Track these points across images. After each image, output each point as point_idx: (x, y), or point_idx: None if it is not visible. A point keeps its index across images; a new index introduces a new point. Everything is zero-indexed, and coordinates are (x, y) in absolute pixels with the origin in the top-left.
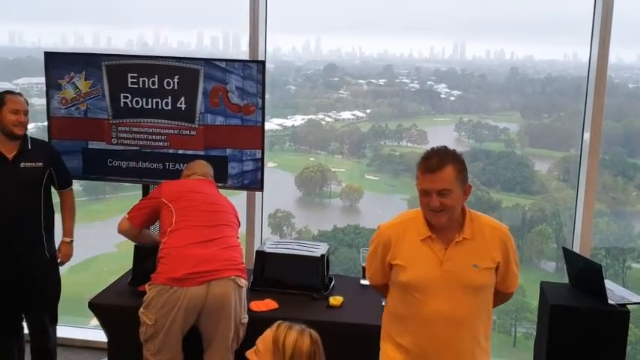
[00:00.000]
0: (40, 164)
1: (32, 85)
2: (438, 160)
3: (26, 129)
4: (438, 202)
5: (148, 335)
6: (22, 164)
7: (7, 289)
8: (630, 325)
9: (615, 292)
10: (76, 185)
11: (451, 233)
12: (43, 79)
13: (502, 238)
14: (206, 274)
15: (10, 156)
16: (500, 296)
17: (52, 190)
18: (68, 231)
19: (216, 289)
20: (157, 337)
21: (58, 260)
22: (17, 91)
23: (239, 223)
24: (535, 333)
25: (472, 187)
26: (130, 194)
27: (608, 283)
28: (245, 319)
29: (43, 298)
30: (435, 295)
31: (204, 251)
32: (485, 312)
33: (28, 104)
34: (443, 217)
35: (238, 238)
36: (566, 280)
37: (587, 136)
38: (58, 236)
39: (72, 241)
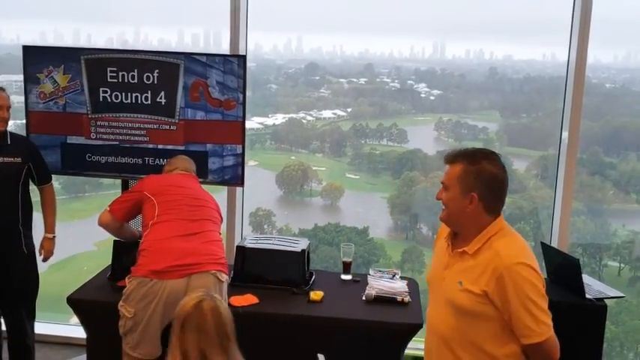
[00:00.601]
0: (19, 159)
1: (11, 83)
2: (454, 155)
3: (7, 124)
4: (439, 194)
5: (127, 328)
6: (1, 159)
7: None
8: (607, 322)
9: (593, 286)
10: (55, 183)
11: (462, 242)
12: (21, 77)
13: (498, 268)
14: (187, 268)
15: None
16: (529, 350)
17: (31, 186)
18: (50, 226)
19: (197, 282)
20: (136, 331)
21: (41, 257)
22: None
23: (222, 219)
24: None
25: (475, 200)
26: (110, 192)
27: (586, 278)
28: None
29: (20, 293)
30: (434, 299)
31: (186, 245)
32: (472, 343)
33: (9, 99)
34: (443, 212)
35: (220, 233)
36: (543, 276)
37: (565, 135)
38: (37, 232)
39: (54, 236)
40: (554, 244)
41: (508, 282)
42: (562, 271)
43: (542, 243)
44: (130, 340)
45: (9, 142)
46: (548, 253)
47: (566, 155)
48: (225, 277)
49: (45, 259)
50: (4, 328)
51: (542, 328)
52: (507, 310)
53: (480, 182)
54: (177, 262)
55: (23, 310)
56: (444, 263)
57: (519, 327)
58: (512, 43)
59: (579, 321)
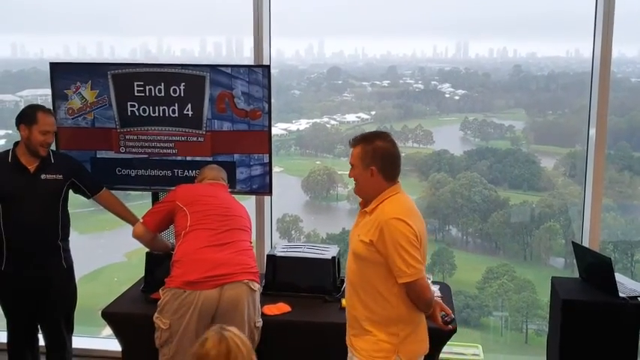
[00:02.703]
0: (60, 177)
1: (36, 97)
2: (355, 139)
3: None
4: (350, 172)
5: (162, 340)
6: (43, 176)
7: (24, 299)
8: None
9: (626, 285)
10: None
11: (367, 206)
12: (47, 91)
13: (380, 222)
14: (220, 278)
15: (31, 168)
16: (406, 289)
17: (70, 201)
18: (133, 216)
19: (230, 292)
20: (172, 342)
21: None
22: (46, 107)
23: (251, 227)
24: (546, 329)
25: (375, 172)
26: (139, 203)
27: (619, 277)
28: (259, 322)
29: (59, 307)
30: (349, 253)
31: (218, 255)
32: (369, 284)
33: (56, 116)
34: (355, 187)
35: (251, 242)
36: (575, 275)
37: (592, 131)
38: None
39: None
40: (585, 241)
41: (386, 232)
42: (594, 270)
43: (573, 242)
44: (166, 351)
45: (52, 161)
46: (580, 252)
47: (594, 151)
48: (257, 286)
49: None
50: (42, 342)
51: (411, 270)
52: (385, 255)
53: (375, 157)
54: (210, 273)
55: (62, 324)
56: (355, 223)
57: (394, 269)
58: (536, 41)
59: (613, 320)
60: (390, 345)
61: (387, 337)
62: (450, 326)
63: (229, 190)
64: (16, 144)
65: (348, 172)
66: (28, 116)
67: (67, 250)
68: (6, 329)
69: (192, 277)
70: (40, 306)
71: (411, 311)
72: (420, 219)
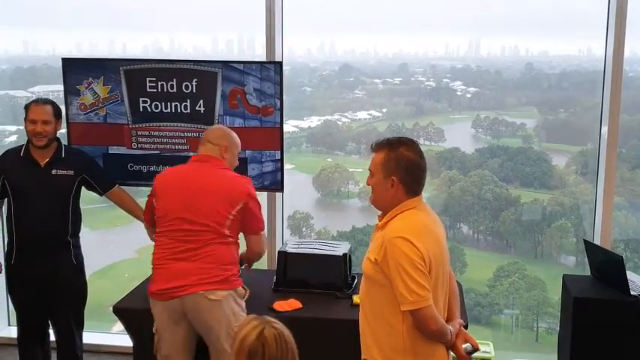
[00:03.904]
0: (72, 172)
1: (48, 93)
2: (379, 144)
3: (48, 139)
4: (368, 179)
5: (156, 344)
6: (54, 171)
7: (33, 294)
8: None
9: (637, 283)
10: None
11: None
12: (59, 87)
13: (384, 241)
14: (174, 290)
15: (42, 162)
16: (411, 317)
17: (82, 197)
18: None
19: (188, 304)
20: (161, 347)
21: None
22: (44, 98)
23: (233, 209)
24: (557, 327)
25: (395, 182)
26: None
27: (630, 275)
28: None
29: (70, 303)
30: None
31: (176, 265)
32: (376, 307)
33: (54, 112)
34: (371, 196)
35: (227, 235)
36: (585, 274)
37: (604, 129)
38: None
39: None
40: (597, 240)
41: (388, 252)
42: (605, 268)
43: (584, 240)
44: (159, 356)
45: (63, 156)
46: (591, 250)
47: (606, 150)
48: (220, 294)
49: None
50: (53, 338)
51: (413, 297)
52: (389, 278)
53: (399, 167)
54: (165, 286)
55: (72, 320)
56: (370, 237)
57: (397, 294)
58: (548, 39)
59: (625, 318)
60: None
61: None
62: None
63: None
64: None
65: (357, 169)
66: (24, 108)
67: (77, 247)
68: (16, 324)
69: (153, 287)
70: (50, 301)
71: (419, 342)
72: (435, 241)
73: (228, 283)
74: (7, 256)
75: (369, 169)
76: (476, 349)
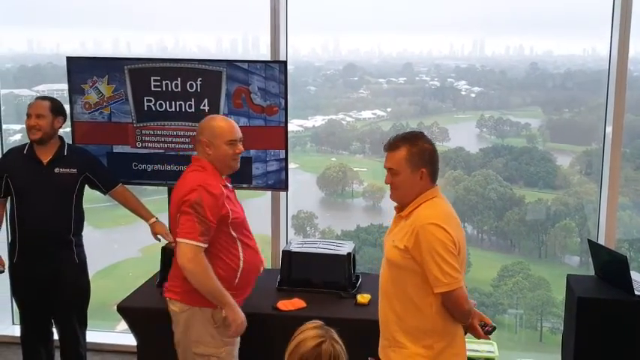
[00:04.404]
0: (74, 171)
1: (53, 92)
2: (395, 141)
3: (43, 133)
4: (389, 180)
5: None
6: (57, 169)
7: (36, 293)
8: None
9: None
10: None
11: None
12: (63, 86)
13: (415, 227)
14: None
15: (45, 160)
16: (443, 299)
17: (85, 196)
18: (147, 214)
19: None
20: None
21: (171, 241)
22: (47, 95)
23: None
24: (561, 327)
25: (428, 173)
26: (154, 198)
27: (634, 275)
28: (199, 349)
29: (72, 302)
30: (383, 260)
31: None
32: (403, 293)
33: (52, 108)
34: (393, 194)
35: (182, 236)
36: (589, 274)
37: (609, 129)
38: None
39: (157, 218)
40: (601, 239)
41: (422, 238)
42: (610, 268)
43: (589, 240)
44: None
45: (65, 154)
46: (595, 250)
47: (610, 150)
48: (177, 306)
49: (171, 242)
50: (56, 337)
51: (447, 279)
52: (421, 262)
53: (424, 158)
54: None
55: (75, 319)
56: (390, 227)
57: (430, 278)
58: (552, 39)
59: (629, 318)
60: (424, 359)
61: (422, 350)
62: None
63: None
64: None
65: (361, 168)
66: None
67: (80, 246)
68: (20, 323)
69: None
70: (53, 300)
71: (447, 323)
72: (458, 226)
73: (190, 298)
74: (10, 255)
75: (390, 168)
76: (494, 328)
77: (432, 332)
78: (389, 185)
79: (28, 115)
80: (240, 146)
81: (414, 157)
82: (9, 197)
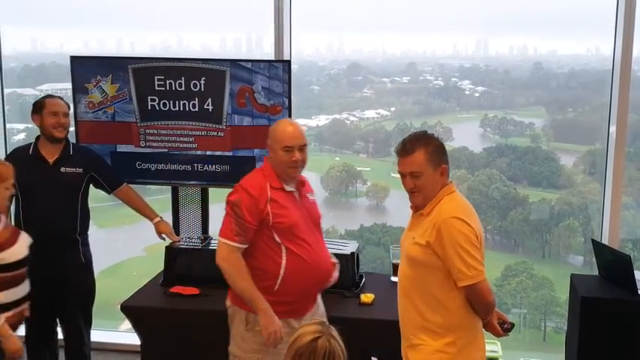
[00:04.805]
0: (80, 170)
1: (56, 91)
2: (410, 144)
3: (67, 132)
4: (412, 184)
5: None
6: (63, 169)
7: (41, 292)
8: None
9: None
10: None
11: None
12: (67, 85)
13: (437, 222)
14: None
15: (51, 160)
16: (467, 293)
17: (90, 195)
18: (151, 213)
19: None
20: None
21: (178, 238)
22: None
23: None
24: (564, 327)
25: (447, 168)
26: (158, 197)
27: (638, 274)
28: (231, 348)
29: (78, 301)
30: (401, 257)
31: None
32: (425, 290)
33: (69, 107)
34: (417, 198)
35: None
36: (593, 273)
37: (612, 129)
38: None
39: (161, 218)
40: (605, 239)
41: (444, 232)
42: (613, 268)
43: (592, 240)
44: None
45: (71, 153)
46: (599, 250)
47: (614, 149)
48: (228, 305)
49: (175, 241)
50: (61, 336)
51: (472, 272)
52: (444, 257)
53: (442, 155)
54: None
55: (80, 318)
56: (408, 226)
57: (454, 271)
58: (556, 38)
59: (632, 318)
60: (447, 355)
61: (444, 346)
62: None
63: None
64: (38, 137)
65: (365, 168)
66: (36, 105)
67: (86, 245)
68: (24, 322)
69: None
70: (59, 300)
71: (471, 318)
72: (478, 219)
73: (233, 296)
74: None
75: (411, 172)
76: (513, 325)
77: (456, 327)
78: (409, 190)
79: (55, 114)
80: (298, 154)
81: (434, 156)
82: (13, 197)
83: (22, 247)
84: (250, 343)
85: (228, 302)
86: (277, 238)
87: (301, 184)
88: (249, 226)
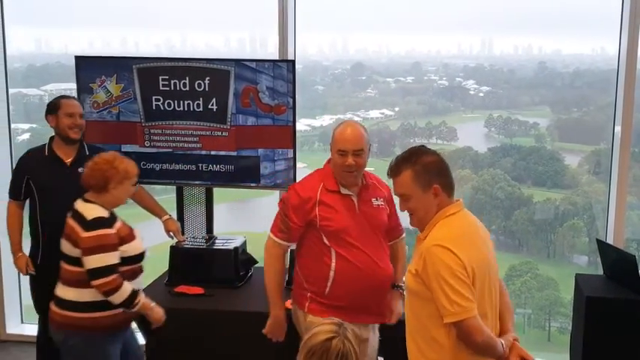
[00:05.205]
0: None
1: (61, 91)
2: (396, 165)
3: (82, 132)
4: (404, 207)
5: None
6: (80, 169)
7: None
8: None
9: None
10: None
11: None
12: (71, 85)
13: (423, 250)
14: None
15: (68, 161)
16: (455, 329)
17: None
18: (161, 210)
19: None
20: None
21: (184, 238)
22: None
23: None
24: (569, 327)
25: (438, 190)
26: (162, 197)
27: None
28: None
29: None
30: None
31: None
32: (420, 323)
33: (82, 108)
34: (413, 221)
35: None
36: (598, 273)
37: (617, 129)
38: None
39: (170, 215)
40: (610, 239)
41: (428, 262)
42: (618, 268)
43: (597, 240)
44: None
45: (87, 153)
46: (604, 249)
47: (619, 149)
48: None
49: (180, 240)
50: None
51: (455, 308)
52: (430, 289)
53: (433, 174)
54: None
55: None
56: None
57: (438, 306)
58: (561, 38)
59: (637, 318)
60: None
61: None
62: None
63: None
64: (52, 138)
65: (368, 168)
66: (51, 105)
67: None
68: (37, 322)
69: None
70: None
71: (468, 358)
72: (476, 247)
73: (296, 298)
74: (32, 258)
75: (400, 195)
76: None
77: None
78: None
79: (71, 115)
80: (351, 159)
81: (422, 176)
82: (27, 199)
83: (140, 241)
84: None
85: (290, 301)
86: (326, 241)
87: (365, 189)
88: (293, 225)
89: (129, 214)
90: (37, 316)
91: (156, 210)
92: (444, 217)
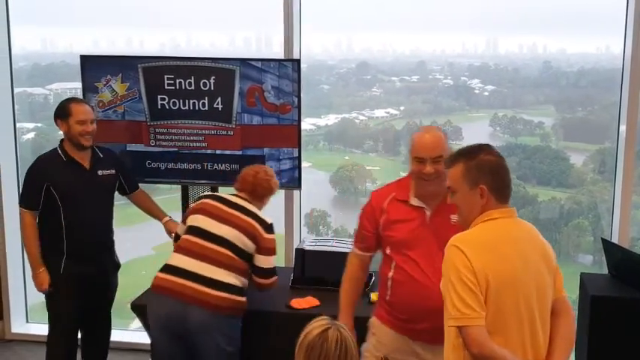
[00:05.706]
0: (113, 171)
1: (66, 91)
2: (454, 156)
3: (93, 137)
4: (451, 200)
5: None
6: (100, 172)
7: (81, 300)
8: None
9: None
10: None
11: None
12: (77, 84)
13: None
14: None
15: (86, 164)
16: None
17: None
18: (161, 212)
19: None
20: None
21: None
22: (78, 97)
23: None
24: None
25: (485, 191)
26: (167, 197)
27: None
28: None
29: (109, 300)
30: None
31: None
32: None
33: (94, 110)
34: (458, 218)
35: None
36: (603, 272)
37: (622, 128)
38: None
39: (170, 217)
40: (615, 238)
41: (444, 260)
42: (623, 267)
43: (602, 239)
44: None
45: (101, 155)
46: (609, 249)
47: (624, 148)
48: None
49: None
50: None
51: (455, 312)
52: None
53: (484, 172)
54: None
55: (108, 317)
56: None
57: (445, 306)
58: (566, 37)
59: None
60: None
61: None
62: None
63: None
64: (62, 142)
65: (374, 167)
66: (61, 110)
67: (114, 245)
68: (41, 322)
69: None
70: (91, 302)
71: None
72: (504, 257)
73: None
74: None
75: (448, 186)
76: None
77: None
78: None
79: (83, 122)
80: (429, 167)
81: (472, 172)
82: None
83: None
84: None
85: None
86: (388, 250)
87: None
88: (367, 233)
89: (130, 213)
90: (42, 316)
91: (155, 212)
92: (482, 221)
